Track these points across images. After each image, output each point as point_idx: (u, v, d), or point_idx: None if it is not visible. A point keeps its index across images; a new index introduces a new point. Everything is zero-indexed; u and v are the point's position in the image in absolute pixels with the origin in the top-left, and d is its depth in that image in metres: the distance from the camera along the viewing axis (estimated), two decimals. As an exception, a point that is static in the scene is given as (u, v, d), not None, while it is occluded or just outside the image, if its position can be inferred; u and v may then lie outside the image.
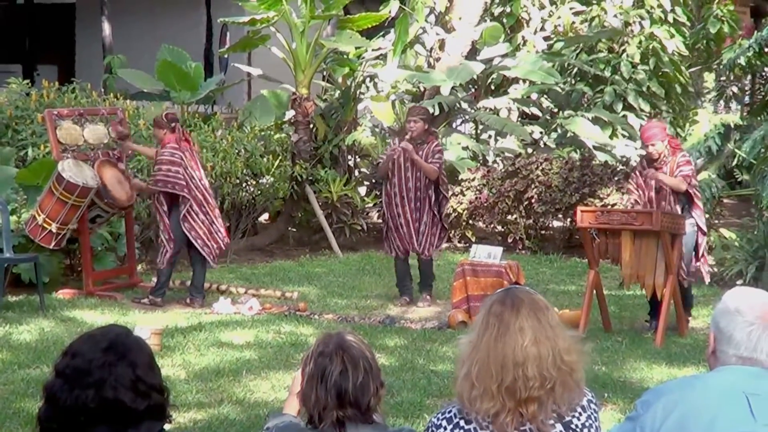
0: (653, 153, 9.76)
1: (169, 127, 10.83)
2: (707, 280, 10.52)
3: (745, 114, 20.64)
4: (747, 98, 22.24)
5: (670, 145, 9.85)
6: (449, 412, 3.52)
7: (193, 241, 10.84)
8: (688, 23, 18.39)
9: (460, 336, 3.61)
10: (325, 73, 17.04)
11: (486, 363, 3.40)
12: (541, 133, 17.38)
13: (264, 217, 16.27)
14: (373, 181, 15.80)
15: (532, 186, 14.69)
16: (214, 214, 11.08)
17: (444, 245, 12.00)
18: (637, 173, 10.12)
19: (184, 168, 10.71)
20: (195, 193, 10.82)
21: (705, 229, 10.17)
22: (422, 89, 16.85)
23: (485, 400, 3.38)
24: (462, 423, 3.46)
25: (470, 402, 3.41)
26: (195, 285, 11.10)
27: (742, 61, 15.18)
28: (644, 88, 17.21)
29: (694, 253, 10.01)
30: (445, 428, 3.48)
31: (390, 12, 16.35)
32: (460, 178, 15.24)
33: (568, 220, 14.57)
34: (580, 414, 3.50)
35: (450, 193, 12.31)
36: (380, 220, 16.18)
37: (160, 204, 10.86)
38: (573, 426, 3.47)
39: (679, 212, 9.74)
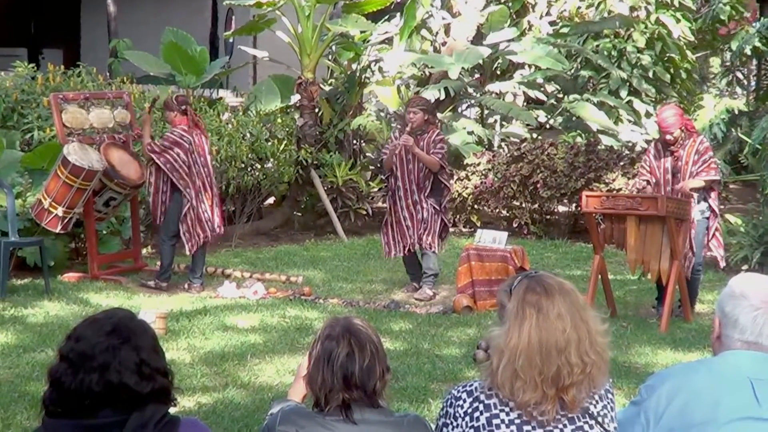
0: (670, 140, 9.73)
1: (180, 109, 10.83)
2: (722, 264, 10.47)
3: (751, 99, 20.59)
4: (753, 84, 22.19)
5: (686, 128, 9.81)
6: (470, 385, 3.51)
7: (180, 226, 10.83)
8: (693, 8, 18.33)
9: (492, 329, 3.58)
10: (330, 57, 17.02)
11: (529, 353, 3.37)
12: (546, 117, 17.36)
13: (269, 202, 16.27)
14: (378, 165, 15.80)
15: (538, 171, 14.69)
16: (210, 203, 11.02)
17: (449, 232, 11.79)
18: (650, 156, 10.03)
19: (189, 153, 10.71)
20: (195, 178, 10.80)
21: (717, 211, 10.11)
22: (427, 74, 16.81)
23: (528, 390, 3.36)
24: (482, 398, 3.45)
25: (513, 393, 3.39)
26: (192, 269, 11.09)
27: (747, 50, 15.14)
28: (650, 74, 17.18)
29: (705, 238, 9.94)
30: (465, 401, 3.47)
31: (395, -4, 16.33)
32: (465, 162, 15.23)
33: (574, 205, 14.56)
34: (597, 402, 3.49)
35: (453, 180, 12.14)
36: (385, 205, 16.22)
37: (163, 182, 10.87)
38: (590, 412, 3.46)
39: (695, 196, 9.72)
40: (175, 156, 10.68)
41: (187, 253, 10.99)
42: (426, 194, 10.74)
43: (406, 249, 10.95)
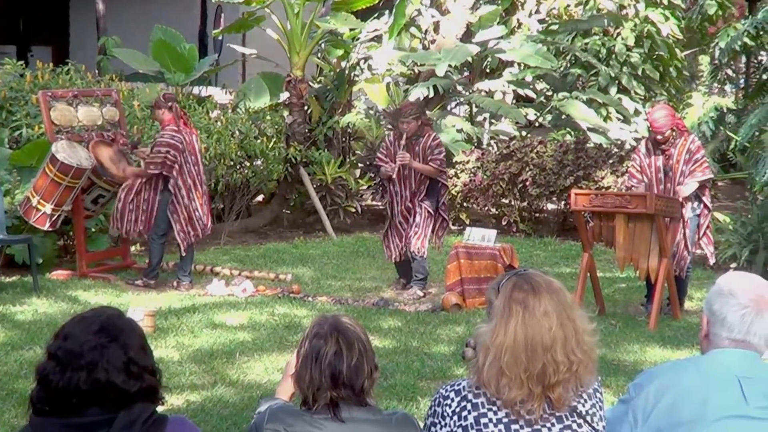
0: (661, 139, 9.73)
1: (167, 106, 10.79)
2: (712, 261, 10.48)
3: (740, 97, 20.63)
4: (742, 81, 22.23)
5: (677, 128, 9.82)
6: (458, 384, 3.52)
7: (173, 225, 10.82)
8: (683, 6, 18.37)
9: (479, 325, 3.59)
10: (319, 54, 17.01)
11: (514, 350, 3.37)
12: (536, 115, 17.38)
13: (258, 199, 16.25)
14: (368, 163, 15.79)
15: (527, 168, 14.68)
16: (201, 201, 11.00)
17: (446, 229, 11.69)
18: (641, 155, 10.02)
19: (181, 152, 10.68)
20: (186, 177, 10.78)
21: (710, 207, 10.11)
22: (416, 72, 16.81)
23: (514, 388, 3.37)
24: (470, 396, 3.45)
25: (498, 390, 3.39)
26: (181, 267, 11.06)
27: (737, 47, 15.16)
28: (639, 71, 17.20)
29: (696, 235, 9.95)
30: (453, 399, 3.48)
31: (384, -6, 16.32)
32: (454, 160, 15.22)
33: (563, 202, 14.57)
34: (585, 401, 3.49)
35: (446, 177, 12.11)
36: (374, 202, 16.22)
37: (152, 183, 10.83)
38: (578, 411, 3.46)
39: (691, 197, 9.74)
40: (171, 158, 10.65)
41: (183, 252, 10.97)
42: (420, 198, 10.73)
43: (400, 253, 10.95)
